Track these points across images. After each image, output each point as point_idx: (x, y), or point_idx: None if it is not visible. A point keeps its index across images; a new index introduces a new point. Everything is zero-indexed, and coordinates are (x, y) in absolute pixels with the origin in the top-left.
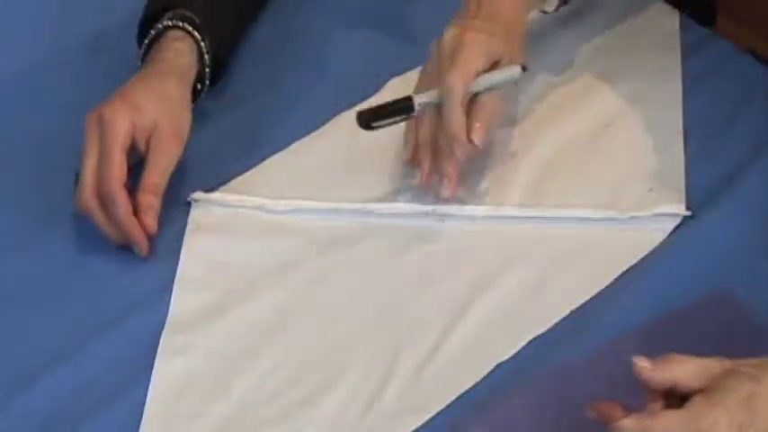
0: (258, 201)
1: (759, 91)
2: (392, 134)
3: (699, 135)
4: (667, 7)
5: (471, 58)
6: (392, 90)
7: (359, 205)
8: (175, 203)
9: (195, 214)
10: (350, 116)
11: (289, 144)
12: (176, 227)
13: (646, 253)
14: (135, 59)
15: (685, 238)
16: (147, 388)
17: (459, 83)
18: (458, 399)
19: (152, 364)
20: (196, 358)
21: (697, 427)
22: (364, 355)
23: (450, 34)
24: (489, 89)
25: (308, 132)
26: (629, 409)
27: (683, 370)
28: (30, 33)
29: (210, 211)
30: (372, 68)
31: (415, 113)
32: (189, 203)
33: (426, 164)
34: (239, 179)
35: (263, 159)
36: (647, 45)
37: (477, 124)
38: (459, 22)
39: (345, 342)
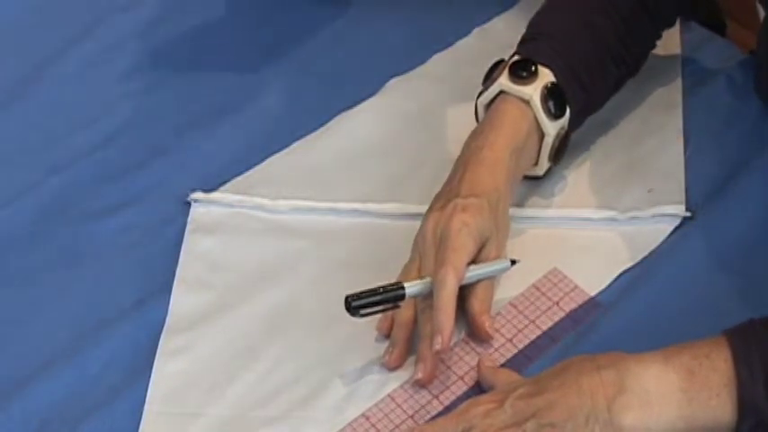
0: (258, 201)
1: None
2: (392, 135)
3: (699, 135)
4: None
5: (461, 247)
6: (392, 90)
7: (359, 205)
8: (175, 203)
9: (195, 214)
10: (350, 116)
11: (289, 144)
12: (176, 227)
13: (646, 253)
14: (141, 59)
15: (685, 238)
16: (146, 388)
17: (450, 276)
18: (456, 399)
19: (151, 365)
20: (195, 358)
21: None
22: (364, 355)
23: (434, 219)
24: (479, 280)
25: (308, 132)
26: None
27: (503, 378)
28: (31, 33)
29: (210, 211)
30: (372, 68)
31: (403, 303)
32: (189, 203)
33: (399, 347)
34: (239, 179)
35: (263, 159)
36: None
37: (488, 323)
38: (441, 203)
39: (345, 342)
